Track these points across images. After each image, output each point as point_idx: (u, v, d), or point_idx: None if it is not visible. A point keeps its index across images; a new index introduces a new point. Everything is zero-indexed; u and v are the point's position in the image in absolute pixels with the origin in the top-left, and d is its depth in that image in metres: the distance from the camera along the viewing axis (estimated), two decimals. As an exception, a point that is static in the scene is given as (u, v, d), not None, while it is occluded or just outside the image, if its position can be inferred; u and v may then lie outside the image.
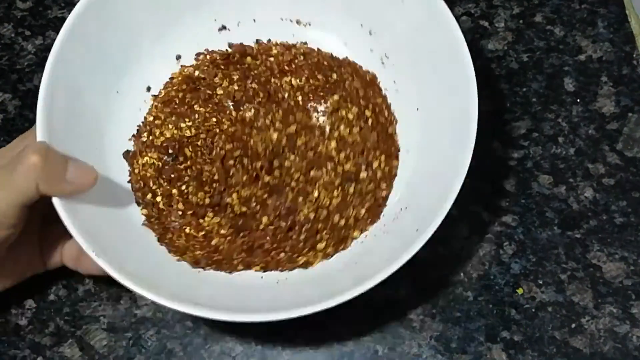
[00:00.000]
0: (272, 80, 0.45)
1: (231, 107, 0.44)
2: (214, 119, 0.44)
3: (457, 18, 0.51)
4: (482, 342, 0.41)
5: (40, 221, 0.40)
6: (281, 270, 0.40)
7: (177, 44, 0.46)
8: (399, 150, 0.43)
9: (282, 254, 0.41)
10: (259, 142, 0.43)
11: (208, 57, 0.46)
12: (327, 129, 0.44)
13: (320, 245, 0.41)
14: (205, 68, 0.46)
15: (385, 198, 0.42)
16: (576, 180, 0.45)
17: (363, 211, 0.41)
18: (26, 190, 0.34)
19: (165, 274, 0.38)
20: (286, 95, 0.45)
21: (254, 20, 0.47)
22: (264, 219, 0.41)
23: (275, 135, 0.43)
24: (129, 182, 0.42)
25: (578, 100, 0.48)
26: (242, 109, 0.44)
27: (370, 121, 0.44)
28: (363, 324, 0.42)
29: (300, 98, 0.45)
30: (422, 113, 0.42)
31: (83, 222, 0.36)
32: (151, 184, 0.42)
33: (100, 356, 0.42)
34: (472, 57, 0.50)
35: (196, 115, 0.44)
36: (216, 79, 0.45)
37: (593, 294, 0.42)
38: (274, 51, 0.46)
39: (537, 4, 0.51)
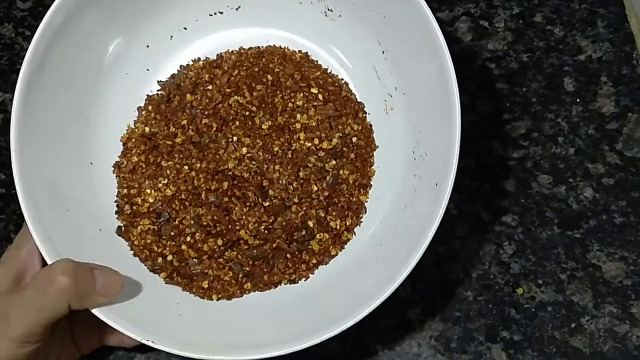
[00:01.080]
0: (219, 106, 0.44)
1: (194, 150, 0.43)
2: (186, 167, 0.43)
3: (457, 18, 0.51)
4: (482, 342, 0.42)
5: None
6: (306, 278, 0.41)
7: (115, 102, 0.45)
8: (363, 106, 0.44)
9: (306, 257, 0.41)
10: (239, 167, 0.42)
11: (150, 107, 0.45)
12: (290, 125, 0.43)
13: (336, 224, 0.42)
14: (154, 122, 0.44)
15: (372, 153, 0.43)
16: (576, 180, 0.45)
17: (360, 175, 0.43)
18: (57, 310, 0.34)
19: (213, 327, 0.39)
20: (238, 113, 0.44)
21: (171, 38, 0.46)
22: (278, 241, 0.41)
23: (246, 151, 0.42)
24: (133, 255, 0.42)
25: (578, 100, 0.48)
26: (205, 145, 0.43)
27: (320, 96, 0.44)
28: (363, 324, 0.42)
29: (252, 110, 0.44)
30: (389, 60, 0.43)
31: (126, 315, 0.36)
32: (156, 248, 0.41)
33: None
34: (471, 57, 0.50)
35: (167, 171, 0.43)
36: (170, 129, 0.44)
37: (593, 293, 0.42)
38: (205, 76, 0.45)
39: (536, 4, 0.51)
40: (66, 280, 0.34)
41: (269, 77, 0.44)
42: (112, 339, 0.40)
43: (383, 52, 0.43)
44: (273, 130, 0.43)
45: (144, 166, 0.43)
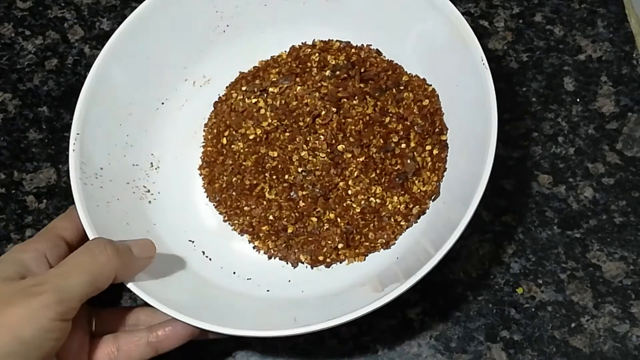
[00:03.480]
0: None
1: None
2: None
3: (457, 18, 0.51)
4: (482, 342, 0.42)
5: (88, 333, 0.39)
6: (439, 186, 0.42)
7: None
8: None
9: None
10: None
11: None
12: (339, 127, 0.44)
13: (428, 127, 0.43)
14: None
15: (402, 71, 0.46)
16: (576, 179, 0.45)
17: (416, 85, 0.45)
18: (104, 278, 0.35)
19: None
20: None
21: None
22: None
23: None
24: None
25: (578, 100, 0.48)
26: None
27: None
28: (363, 323, 0.42)
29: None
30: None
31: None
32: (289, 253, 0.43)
33: (101, 356, 0.43)
34: (472, 56, 0.50)
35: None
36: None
37: (593, 293, 0.42)
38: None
39: (536, 3, 0.51)
40: (110, 248, 0.35)
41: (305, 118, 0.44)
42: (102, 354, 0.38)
43: None
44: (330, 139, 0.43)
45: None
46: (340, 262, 0.42)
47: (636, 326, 0.41)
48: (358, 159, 0.42)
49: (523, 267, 0.43)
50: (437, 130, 0.43)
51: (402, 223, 0.42)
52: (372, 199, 0.42)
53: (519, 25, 0.51)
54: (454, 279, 0.43)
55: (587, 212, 0.44)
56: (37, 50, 0.53)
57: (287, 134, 0.43)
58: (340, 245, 0.41)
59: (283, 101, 0.44)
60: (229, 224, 0.44)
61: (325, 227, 0.42)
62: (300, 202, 0.42)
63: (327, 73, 0.45)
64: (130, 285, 0.37)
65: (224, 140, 0.45)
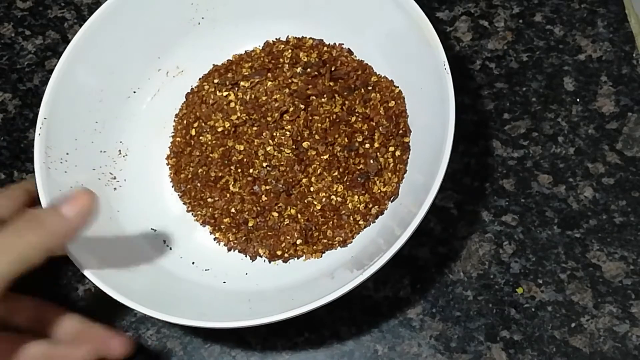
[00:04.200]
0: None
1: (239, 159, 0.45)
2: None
3: (457, 18, 0.51)
4: (482, 342, 0.42)
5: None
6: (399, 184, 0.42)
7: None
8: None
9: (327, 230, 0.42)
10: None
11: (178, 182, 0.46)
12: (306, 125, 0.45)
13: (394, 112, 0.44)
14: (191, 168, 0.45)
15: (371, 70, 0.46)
16: (576, 179, 0.45)
17: (384, 86, 0.45)
18: (33, 257, 0.33)
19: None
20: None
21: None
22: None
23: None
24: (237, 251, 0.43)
25: (578, 100, 0.48)
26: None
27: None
28: (363, 323, 0.42)
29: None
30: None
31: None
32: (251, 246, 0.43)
33: (101, 356, 0.43)
34: (471, 57, 0.50)
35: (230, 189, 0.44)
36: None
37: (593, 293, 0.42)
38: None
39: (536, 3, 0.51)
40: (35, 223, 0.33)
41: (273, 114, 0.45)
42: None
43: None
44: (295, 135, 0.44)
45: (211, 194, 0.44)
46: (298, 258, 0.42)
47: (636, 326, 0.41)
48: (322, 157, 0.42)
49: (523, 267, 0.43)
50: (400, 132, 0.43)
51: (361, 222, 0.42)
52: (333, 197, 0.42)
53: (519, 25, 0.51)
54: (454, 279, 0.43)
55: (587, 212, 0.44)
56: (37, 50, 0.53)
57: (254, 128, 0.44)
58: (298, 241, 0.42)
59: (253, 95, 0.44)
60: (192, 214, 0.45)
61: (285, 223, 0.42)
62: (263, 196, 0.43)
63: (299, 70, 0.45)
64: (85, 272, 0.37)
65: (193, 132, 0.46)
